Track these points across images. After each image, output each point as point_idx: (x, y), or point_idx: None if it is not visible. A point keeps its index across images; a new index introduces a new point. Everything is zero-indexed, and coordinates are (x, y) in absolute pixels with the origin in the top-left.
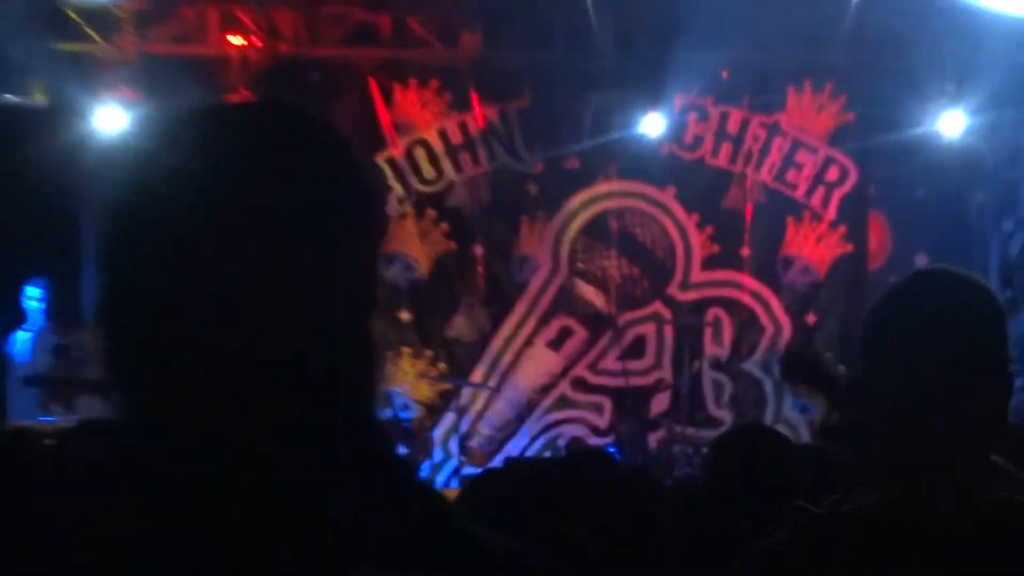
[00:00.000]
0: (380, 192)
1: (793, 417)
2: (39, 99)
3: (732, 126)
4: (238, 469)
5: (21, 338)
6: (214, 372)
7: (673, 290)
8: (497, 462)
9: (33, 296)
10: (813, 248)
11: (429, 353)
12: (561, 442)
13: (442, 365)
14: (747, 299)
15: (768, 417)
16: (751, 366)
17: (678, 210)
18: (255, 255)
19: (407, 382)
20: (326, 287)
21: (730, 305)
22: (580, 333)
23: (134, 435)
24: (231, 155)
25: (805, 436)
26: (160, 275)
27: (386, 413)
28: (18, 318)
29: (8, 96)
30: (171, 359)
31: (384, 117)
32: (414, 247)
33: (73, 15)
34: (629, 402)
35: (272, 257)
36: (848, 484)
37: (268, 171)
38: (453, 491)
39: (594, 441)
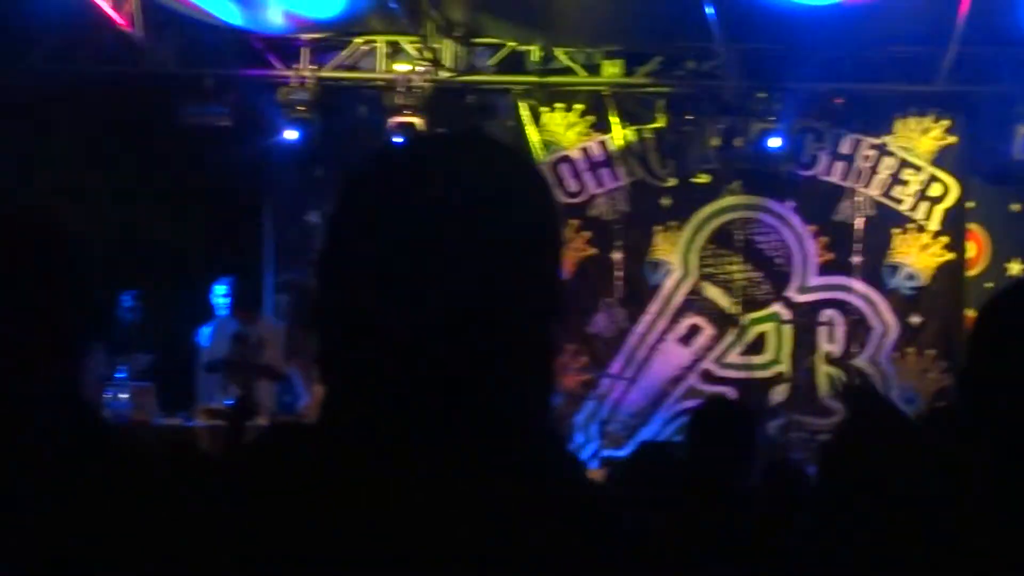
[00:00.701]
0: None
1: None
2: (226, 120)
3: (844, 147)
4: (421, 468)
5: (206, 330)
6: (409, 375)
7: (791, 293)
8: (632, 445)
9: (220, 292)
10: (917, 256)
11: (571, 347)
12: None
13: (583, 358)
14: (858, 301)
15: None
16: (860, 361)
17: (796, 221)
18: (456, 273)
19: None
20: (519, 297)
21: (842, 307)
22: (707, 330)
23: (331, 437)
24: (438, 180)
25: None
26: (368, 286)
27: None
28: (208, 312)
29: (198, 117)
30: (374, 362)
31: (533, 136)
32: None
33: (258, 44)
34: (751, 393)
35: (471, 273)
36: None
37: (471, 195)
38: (593, 471)
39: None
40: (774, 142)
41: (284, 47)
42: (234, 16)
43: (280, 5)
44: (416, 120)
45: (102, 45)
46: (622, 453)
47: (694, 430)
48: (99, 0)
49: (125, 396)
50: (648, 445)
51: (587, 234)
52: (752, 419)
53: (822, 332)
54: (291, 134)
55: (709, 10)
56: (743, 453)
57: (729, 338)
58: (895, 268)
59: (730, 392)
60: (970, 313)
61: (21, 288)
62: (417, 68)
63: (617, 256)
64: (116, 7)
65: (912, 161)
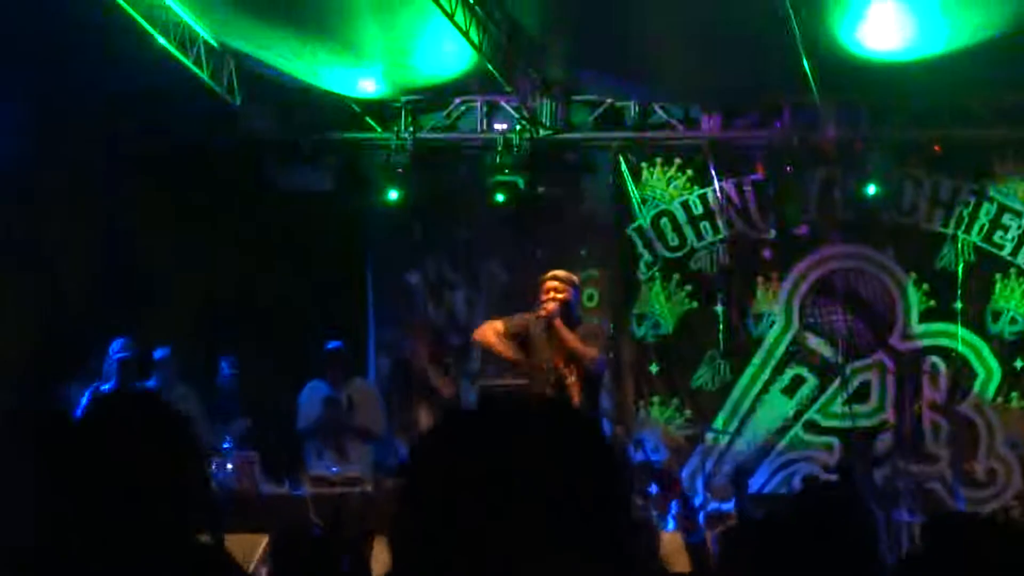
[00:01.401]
0: (626, 471)
1: (1005, 453)
2: (325, 183)
3: (944, 193)
4: None
5: (301, 397)
6: None
7: (894, 341)
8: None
9: (328, 351)
10: (1020, 301)
11: (676, 401)
12: (795, 479)
13: (688, 412)
14: (961, 348)
15: (981, 453)
16: (965, 408)
17: (897, 269)
18: (524, 530)
19: (657, 428)
20: (579, 552)
21: (945, 353)
22: (811, 381)
23: None
24: (509, 451)
25: (1016, 471)
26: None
27: (639, 457)
28: (315, 374)
29: (297, 181)
30: None
31: (633, 191)
32: (661, 307)
33: (356, 108)
34: (857, 442)
35: (539, 533)
36: None
37: (539, 462)
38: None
39: (826, 478)
40: (873, 191)
41: (382, 109)
42: (331, 82)
43: (381, 72)
44: (518, 178)
45: (201, 112)
46: (728, 506)
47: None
48: (196, 68)
49: (230, 467)
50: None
51: (689, 288)
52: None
53: (926, 379)
54: (391, 195)
55: (805, 62)
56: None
57: (833, 388)
58: (998, 313)
59: (835, 443)
60: None
61: (134, 477)
62: (516, 127)
63: (719, 309)
64: (213, 75)
65: (1011, 206)
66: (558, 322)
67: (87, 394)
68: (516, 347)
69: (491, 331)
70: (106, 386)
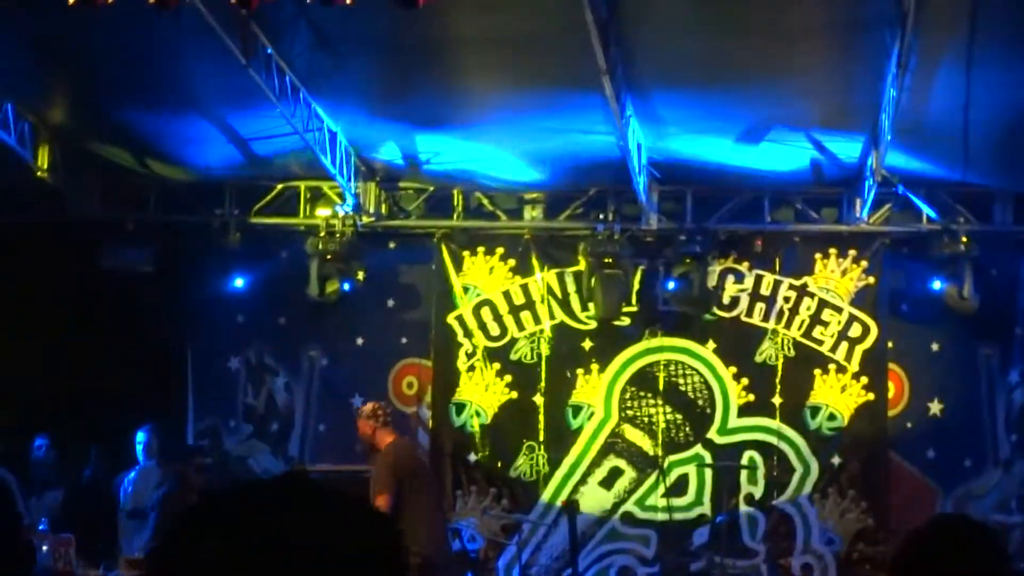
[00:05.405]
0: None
1: (820, 549)
2: (148, 265)
3: (765, 288)
4: None
5: (128, 477)
6: None
7: (712, 435)
8: None
9: (141, 440)
10: (838, 397)
11: (493, 491)
12: (612, 571)
13: (505, 502)
14: (779, 443)
15: (798, 548)
16: (782, 503)
17: (717, 363)
18: None
19: (474, 517)
20: None
21: (763, 448)
22: (629, 473)
23: None
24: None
25: (831, 568)
26: None
27: (455, 545)
28: (130, 460)
29: (120, 262)
30: None
31: (454, 280)
32: (481, 396)
33: (181, 188)
34: (673, 535)
35: None
36: None
37: (309, 547)
38: None
39: (642, 571)
40: (694, 284)
41: (209, 191)
42: (159, 161)
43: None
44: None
45: (23, 191)
46: None
47: None
48: (19, 148)
49: (45, 548)
50: None
51: (509, 377)
52: None
53: (743, 474)
54: (213, 279)
55: (632, 155)
56: None
57: (650, 480)
58: (816, 409)
59: (652, 536)
60: (892, 454)
61: None
62: (340, 213)
63: (539, 399)
64: (36, 155)
65: (832, 302)
66: None
67: None
68: None
69: None
70: None
